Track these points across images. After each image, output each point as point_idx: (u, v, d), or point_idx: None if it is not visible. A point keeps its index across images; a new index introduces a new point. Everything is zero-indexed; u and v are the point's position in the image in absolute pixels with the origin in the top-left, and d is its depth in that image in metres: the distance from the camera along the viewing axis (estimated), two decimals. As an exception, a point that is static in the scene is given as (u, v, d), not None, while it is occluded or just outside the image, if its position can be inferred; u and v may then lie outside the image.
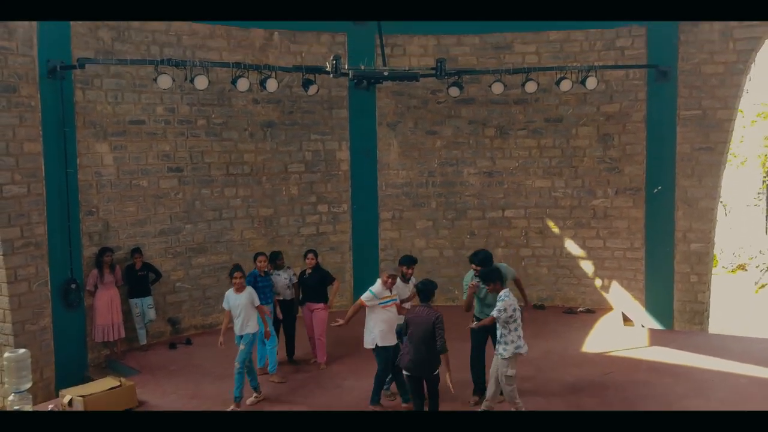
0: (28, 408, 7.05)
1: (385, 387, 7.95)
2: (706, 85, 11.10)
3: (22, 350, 7.40)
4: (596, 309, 11.97)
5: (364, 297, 7.49)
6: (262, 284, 8.66)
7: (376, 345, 7.54)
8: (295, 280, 9.35)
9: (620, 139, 11.81)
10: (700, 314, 11.48)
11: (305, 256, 9.24)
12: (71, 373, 9.33)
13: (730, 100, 11.03)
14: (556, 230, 12.27)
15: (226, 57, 10.90)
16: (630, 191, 11.80)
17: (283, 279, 9.22)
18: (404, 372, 6.99)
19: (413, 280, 8.04)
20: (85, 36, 9.64)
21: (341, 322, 7.53)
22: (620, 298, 11.98)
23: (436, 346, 6.70)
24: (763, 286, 17.99)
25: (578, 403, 8.03)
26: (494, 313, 6.93)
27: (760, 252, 19.27)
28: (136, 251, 10.04)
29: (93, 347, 9.88)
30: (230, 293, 8.12)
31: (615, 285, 12.04)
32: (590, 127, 11.96)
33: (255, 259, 8.89)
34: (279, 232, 11.80)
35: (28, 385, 7.13)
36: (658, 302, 11.62)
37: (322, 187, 12.05)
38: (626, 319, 11.74)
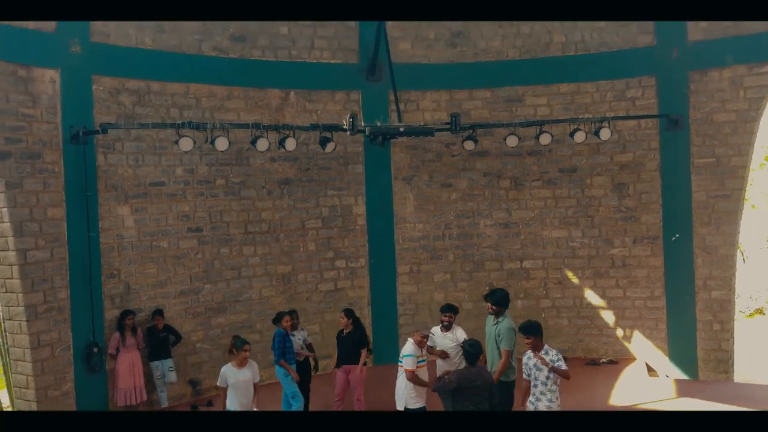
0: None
1: None
2: (719, 133, 11.19)
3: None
4: (619, 359, 11.84)
5: (410, 364, 7.41)
6: (289, 344, 8.62)
7: (406, 408, 7.44)
8: (309, 340, 9.39)
9: (635, 188, 11.86)
10: (724, 362, 11.34)
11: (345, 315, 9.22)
12: (93, 439, 9.21)
13: (743, 147, 11.11)
14: (575, 280, 12.23)
15: (244, 117, 11.06)
16: (648, 240, 11.80)
17: (297, 340, 9.21)
18: None
19: (456, 329, 8.08)
20: (107, 101, 9.83)
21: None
22: (643, 347, 11.86)
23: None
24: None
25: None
26: (563, 366, 6.96)
27: (777, 295, 19.16)
28: (158, 313, 10.03)
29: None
30: (229, 369, 7.46)
31: (637, 334, 11.93)
32: (605, 176, 12.02)
33: (280, 319, 8.84)
34: (297, 289, 11.78)
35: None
36: (682, 351, 11.50)
37: (340, 242, 12.08)
38: (650, 370, 11.60)
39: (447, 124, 10.78)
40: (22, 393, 8.98)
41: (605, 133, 10.83)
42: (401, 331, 11.85)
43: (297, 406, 8.70)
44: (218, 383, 7.60)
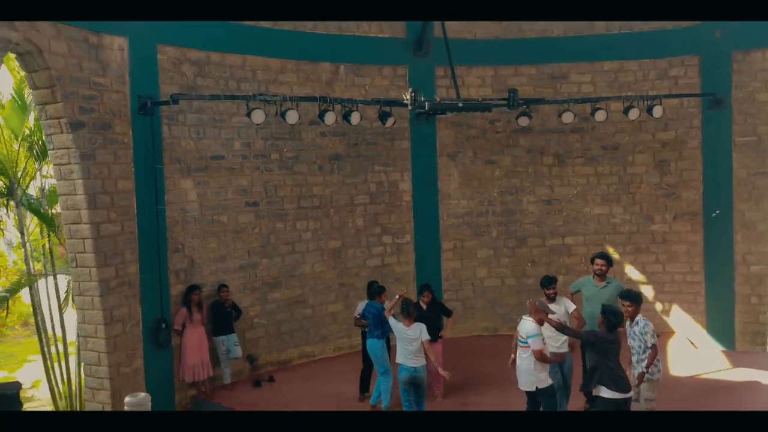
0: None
1: None
2: (761, 112, 11.49)
3: (142, 394, 7.17)
4: (659, 333, 12.03)
5: (538, 344, 7.20)
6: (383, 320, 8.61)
7: (537, 388, 7.38)
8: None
9: (677, 165, 12.11)
10: (762, 334, 11.73)
11: (420, 292, 9.20)
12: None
13: (785, 126, 11.45)
14: (616, 256, 12.40)
15: (297, 90, 10.88)
16: (688, 216, 12.08)
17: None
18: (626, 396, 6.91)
19: (562, 299, 8.25)
20: (170, 71, 9.58)
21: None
22: (682, 321, 12.18)
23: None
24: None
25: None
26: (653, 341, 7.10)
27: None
28: (223, 286, 9.89)
29: (180, 388, 9.64)
30: (402, 327, 8.05)
31: (676, 309, 12.24)
32: (646, 154, 12.24)
33: (379, 293, 8.79)
34: (347, 264, 11.74)
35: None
36: (720, 324, 11.85)
37: (386, 218, 12.05)
38: (690, 342, 11.94)
39: (503, 99, 10.83)
40: (92, 370, 8.76)
41: (658, 111, 11.00)
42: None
43: (386, 385, 8.66)
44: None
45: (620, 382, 6.80)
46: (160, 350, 9.26)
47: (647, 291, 12.38)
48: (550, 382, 7.40)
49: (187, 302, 9.53)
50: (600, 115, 11.03)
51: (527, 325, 7.29)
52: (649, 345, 7.27)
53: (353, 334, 11.70)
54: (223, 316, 9.82)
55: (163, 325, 9.23)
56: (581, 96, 11.83)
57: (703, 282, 12.01)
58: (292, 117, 9.37)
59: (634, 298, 7.48)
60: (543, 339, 7.28)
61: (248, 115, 9.19)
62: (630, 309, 7.36)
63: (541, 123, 12.19)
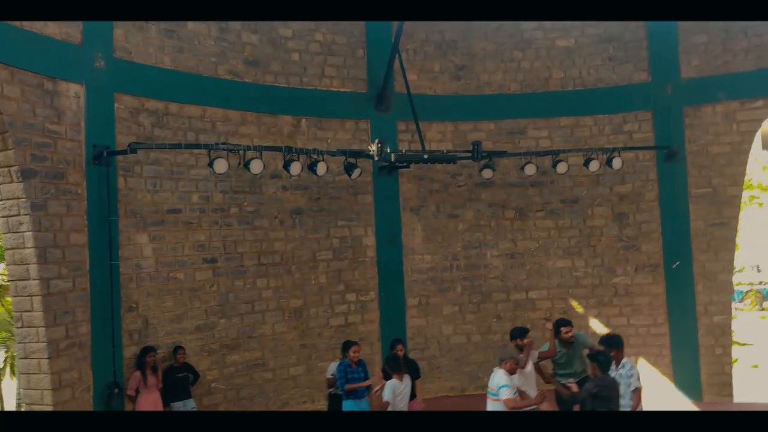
0: None
1: None
2: (714, 164, 11.76)
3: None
4: (627, 387, 11.95)
5: (507, 394, 7.00)
6: (353, 377, 8.10)
7: None
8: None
9: (635, 217, 12.22)
10: (728, 386, 11.69)
11: (393, 347, 8.81)
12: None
13: (738, 177, 11.72)
14: (580, 310, 12.35)
15: (257, 143, 10.56)
16: (649, 268, 12.13)
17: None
18: None
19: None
20: (127, 121, 9.19)
21: None
22: (648, 374, 12.04)
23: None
24: None
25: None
26: (638, 385, 6.88)
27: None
28: (180, 348, 9.27)
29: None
30: (395, 383, 7.51)
31: (642, 362, 12.11)
32: (605, 207, 12.34)
33: (348, 348, 8.32)
34: (309, 324, 11.24)
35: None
36: (686, 377, 11.74)
37: (350, 274, 11.68)
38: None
39: (467, 152, 10.83)
40: (36, 442, 7.94)
41: (617, 162, 11.17)
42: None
43: None
44: (386, 397, 7.48)
45: None
46: (112, 418, 8.51)
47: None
48: None
49: (142, 365, 8.87)
50: (561, 167, 11.11)
51: (497, 376, 7.08)
52: (633, 388, 7.12)
53: (316, 398, 11.18)
54: (179, 381, 9.17)
55: (116, 390, 8.53)
56: (540, 150, 11.93)
57: (668, 334, 11.97)
58: (256, 167, 9.07)
59: (616, 343, 7.34)
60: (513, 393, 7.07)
61: (210, 164, 8.84)
62: (613, 354, 7.22)
63: (501, 177, 12.20)
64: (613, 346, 7.31)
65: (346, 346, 8.42)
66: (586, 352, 8.55)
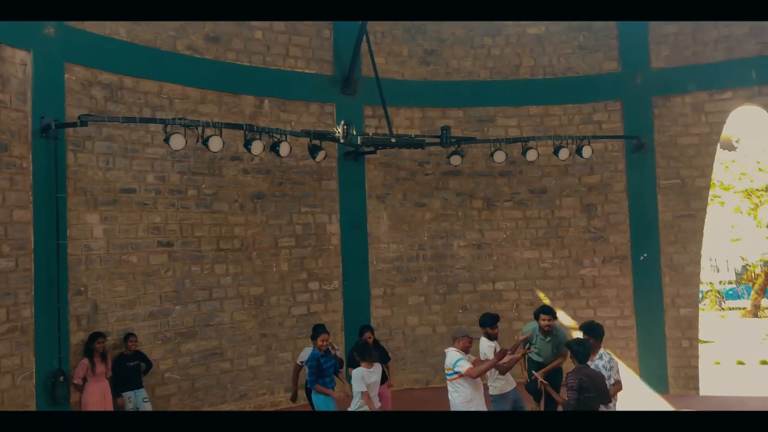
0: None
1: None
2: (683, 155, 11.67)
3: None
4: (593, 380, 11.77)
5: (465, 366, 6.73)
6: (326, 365, 7.68)
7: None
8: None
9: (603, 208, 12.08)
10: (694, 379, 11.59)
11: (361, 333, 8.43)
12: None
13: (706, 168, 11.65)
14: (546, 301, 12.11)
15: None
16: (617, 259, 11.99)
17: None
18: None
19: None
20: (79, 93, 8.66)
21: None
22: (615, 367, 11.89)
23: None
24: None
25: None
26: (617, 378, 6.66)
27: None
28: (131, 336, 8.75)
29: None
30: (364, 371, 7.10)
31: (608, 354, 11.96)
32: (573, 197, 12.17)
33: (317, 336, 7.88)
34: (269, 313, 10.80)
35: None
36: (652, 369, 11.63)
37: (313, 262, 11.27)
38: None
39: (436, 137, 10.54)
40: (-28, 433, 7.38)
41: (587, 151, 11.01)
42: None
43: None
44: (357, 388, 7.06)
45: None
46: (57, 407, 7.95)
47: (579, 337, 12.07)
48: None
49: (89, 352, 8.34)
50: (531, 155, 10.90)
51: (451, 355, 6.82)
52: (613, 382, 6.84)
53: (276, 390, 10.76)
54: (130, 370, 8.65)
55: (61, 378, 7.98)
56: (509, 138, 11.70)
57: (635, 326, 11.84)
58: (215, 144, 8.62)
59: (597, 332, 7.08)
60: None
61: (166, 140, 8.36)
62: (591, 342, 6.96)
63: (470, 166, 11.94)
64: (593, 335, 7.03)
65: (316, 331, 7.99)
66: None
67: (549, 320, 8.16)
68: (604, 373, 6.78)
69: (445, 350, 7.13)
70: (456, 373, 6.84)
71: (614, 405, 7.05)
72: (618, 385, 6.87)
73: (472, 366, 6.76)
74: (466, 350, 7.01)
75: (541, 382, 7.05)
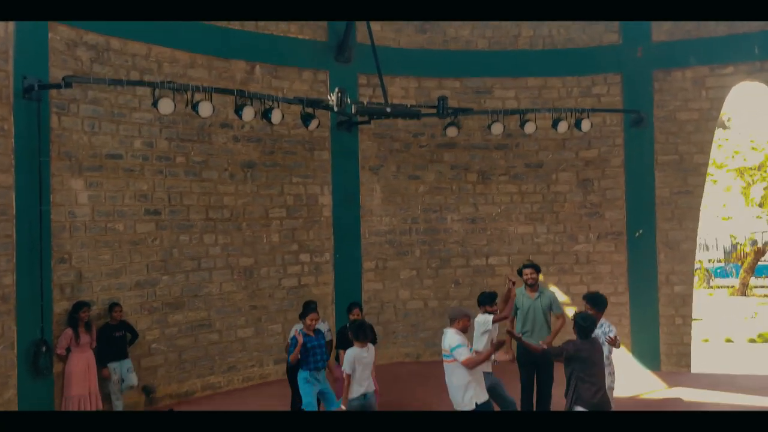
0: None
1: None
2: (682, 131, 11.47)
3: None
4: (585, 356, 11.69)
5: (465, 354, 6.46)
6: (311, 344, 7.46)
7: (476, 404, 6.57)
8: (329, 336, 8.32)
9: (600, 184, 11.90)
10: (686, 356, 11.52)
11: (350, 310, 8.24)
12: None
13: (705, 145, 11.47)
14: (540, 277, 11.96)
15: (208, 89, 9.84)
16: (612, 236, 11.84)
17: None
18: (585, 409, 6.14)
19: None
20: (63, 54, 8.31)
21: None
22: (607, 343, 11.80)
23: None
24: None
25: None
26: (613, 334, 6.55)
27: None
28: (116, 305, 8.52)
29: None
30: (357, 351, 6.81)
31: (601, 331, 11.86)
32: (570, 172, 11.97)
33: (305, 315, 7.63)
34: (259, 285, 10.59)
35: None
36: (645, 346, 11.54)
37: (304, 234, 11.04)
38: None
39: (433, 107, 10.28)
40: (-49, 402, 7.18)
41: (586, 124, 10.78)
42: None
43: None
44: (345, 368, 6.83)
45: (600, 401, 6.10)
46: (39, 378, 7.76)
47: (572, 313, 11.94)
48: (485, 398, 6.64)
49: (74, 322, 8.10)
50: (529, 127, 10.66)
51: (449, 336, 6.56)
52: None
53: (265, 362, 10.60)
54: (115, 340, 8.43)
55: (44, 349, 7.76)
56: (520, 109, 11.43)
57: (628, 303, 11.72)
58: (205, 109, 8.32)
59: (600, 303, 6.97)
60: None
61: (154, 104, 8.05)
62: (593, 313, 6.83)
63: (465, 138, 11.70)
64: (596, 306, 6.93)
65: (306, 310, 7.77)
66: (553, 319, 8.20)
67: (531, 273, 8.08)
68: (603, 338, 6.68)
69: (444, 329, 6.90)
70: (451, 356, 6.63)
71: (612, 380, 6.99)
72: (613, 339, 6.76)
73: (470, 357, 6.52)
74: (464, 330, 6.78)
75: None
